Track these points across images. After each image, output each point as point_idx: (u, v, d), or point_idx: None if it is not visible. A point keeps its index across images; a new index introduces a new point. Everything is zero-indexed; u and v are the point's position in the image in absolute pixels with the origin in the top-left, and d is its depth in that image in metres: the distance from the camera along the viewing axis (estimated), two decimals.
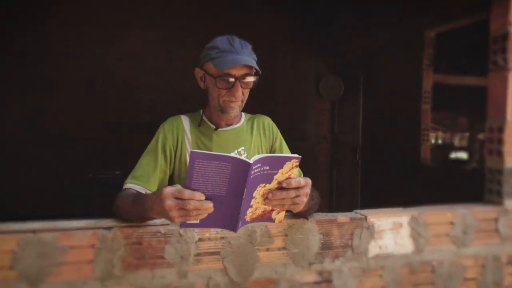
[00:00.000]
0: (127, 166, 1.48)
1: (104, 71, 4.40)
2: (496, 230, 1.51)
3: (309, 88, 5.14)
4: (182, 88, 4.25)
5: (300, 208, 1.05)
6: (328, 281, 1.30)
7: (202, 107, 1.53)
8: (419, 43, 3.69)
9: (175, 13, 4.61)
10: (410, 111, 3.83)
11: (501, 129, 1.54)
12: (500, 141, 1.54)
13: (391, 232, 1.38)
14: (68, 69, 4.29)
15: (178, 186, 0.93)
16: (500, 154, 1.54)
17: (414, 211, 1.44)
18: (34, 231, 1.07)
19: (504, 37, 1.53)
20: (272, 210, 1.05)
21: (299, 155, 0.98)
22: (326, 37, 4.95)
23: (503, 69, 1.54)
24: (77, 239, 1.09)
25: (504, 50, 1.53)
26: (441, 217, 1.45)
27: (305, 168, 1.40)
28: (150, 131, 1.52)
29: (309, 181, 1.03)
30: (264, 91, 3.95)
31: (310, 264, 1.28)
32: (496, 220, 1.51)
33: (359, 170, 4.78)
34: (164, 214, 0.95)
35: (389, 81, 4.20)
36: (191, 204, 0.90)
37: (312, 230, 1.28)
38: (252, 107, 1.61)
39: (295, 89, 5.08)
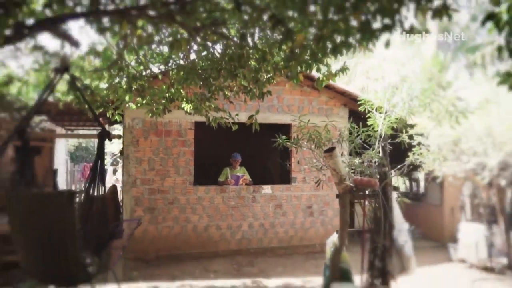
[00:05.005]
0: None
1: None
2: (289, 189, 7.45)
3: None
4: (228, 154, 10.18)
5: (246, 182, 7.05)
6: (254, 198, 7.24)
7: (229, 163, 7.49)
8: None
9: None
10: None
11: (289, 164, 7.50)
12: (289, 169, 7.51)
13: (267, 188, 7.33)
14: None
15: (229, 178, 6.94)
16: (289, 173, 7.50)
17: (273, 185, 7.38)
18: (207, 187, 7.02)
19: None
20: (243, 183, 7.06)
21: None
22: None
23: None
24: (212, 189, 7.04)
25: None
26: (278, 187, 7.40)
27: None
28: (212, 170, 7.46)
29: (248, 179, 7.06)
30: (256, 158, 9.86)
31: (251, 194, 7.22)
32: (289, 187, 7.46)
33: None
34: (227, 183, 6.99)
35: None
36: (232, 181, 6.91)
37: (251, 187, 7.24)
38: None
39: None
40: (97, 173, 2.81)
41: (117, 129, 14.49)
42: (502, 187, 6.84)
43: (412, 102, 5.08)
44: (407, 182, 12.33)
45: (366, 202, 4.57)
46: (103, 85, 5.24)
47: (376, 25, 2.74)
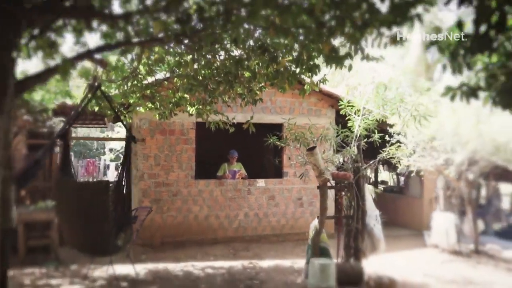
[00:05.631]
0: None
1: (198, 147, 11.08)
2: (281, 183, 8.27)
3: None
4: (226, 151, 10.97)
5: (242, 176, 7.87)
6: (250, 190, 8.05)
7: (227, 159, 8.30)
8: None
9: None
10: None
11: (281, 160, 8.31)
12: (281, 164, 8.31)
13: (261, 182, 8.14)
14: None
15: (227, 173, 7.76)
16: (281, 168, 8.32)
17: (266, 179, 8.20)
18: (207, 181, 7.83)
19: None
20: (239, 177, 7.88)
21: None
22: None
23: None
24: (212, 182, 7.86)
25: None
26: (271, 181, 8.21)
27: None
28: (212, 166, 8.27)
29: (244, 174, 7.86)
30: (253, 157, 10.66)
31: (247, 187, 8.04)
32: (281, 181, 8.27)
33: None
34: (225, 177, 7.81)
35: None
36: (229, 175, 7.72)
37: (246, 181, 8.04)
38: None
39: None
40: (125, 169, 3.58)
41: (118, 127, 15.31)
42: (470, 180, 7.69)
43: (386, 106, 5.89)
44: (395, 177, 13.21)
45: (343, 192, 5.39)
46: (115, 91, 6.03)
47: (341, 52, 3.54)
